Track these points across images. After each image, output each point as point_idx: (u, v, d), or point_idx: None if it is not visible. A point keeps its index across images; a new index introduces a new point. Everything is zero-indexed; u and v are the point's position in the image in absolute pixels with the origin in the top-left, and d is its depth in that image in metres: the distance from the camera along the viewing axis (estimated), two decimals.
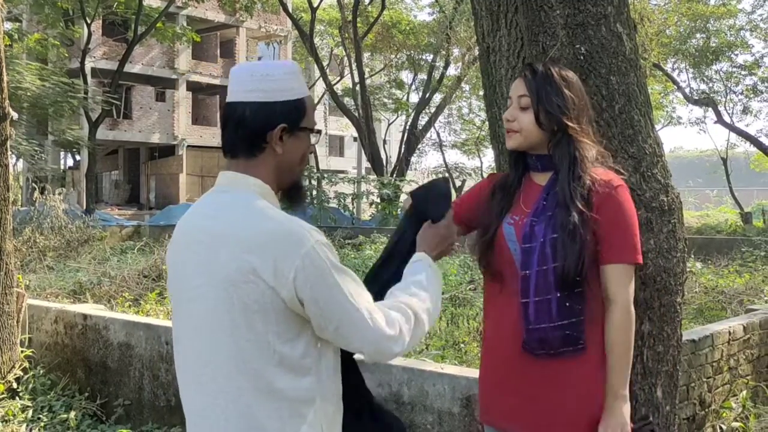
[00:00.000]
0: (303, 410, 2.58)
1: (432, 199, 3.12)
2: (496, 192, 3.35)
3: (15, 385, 7.37)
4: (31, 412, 6.97)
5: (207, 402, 2.62)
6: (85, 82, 36.67)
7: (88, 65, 40.09)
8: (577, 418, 3.03)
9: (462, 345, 8.52)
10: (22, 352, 7.71)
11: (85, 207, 34.92)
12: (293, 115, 2.66)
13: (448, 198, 3.14)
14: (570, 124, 3.10)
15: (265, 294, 2.47)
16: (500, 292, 3.26)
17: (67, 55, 41.54)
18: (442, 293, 11.85)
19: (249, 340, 2.52)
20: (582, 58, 3.59)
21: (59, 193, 21.92)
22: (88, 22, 36.30)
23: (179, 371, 2.75)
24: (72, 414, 6.95)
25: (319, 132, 2.79)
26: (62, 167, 53.30)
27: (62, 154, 53.31)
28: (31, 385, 7.43)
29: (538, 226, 3.08)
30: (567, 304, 3.01)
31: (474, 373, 5.17)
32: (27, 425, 6.80)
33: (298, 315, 2.52)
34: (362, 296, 2.58)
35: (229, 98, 2.69)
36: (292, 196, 2.82)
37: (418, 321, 2.67)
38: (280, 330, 2.51)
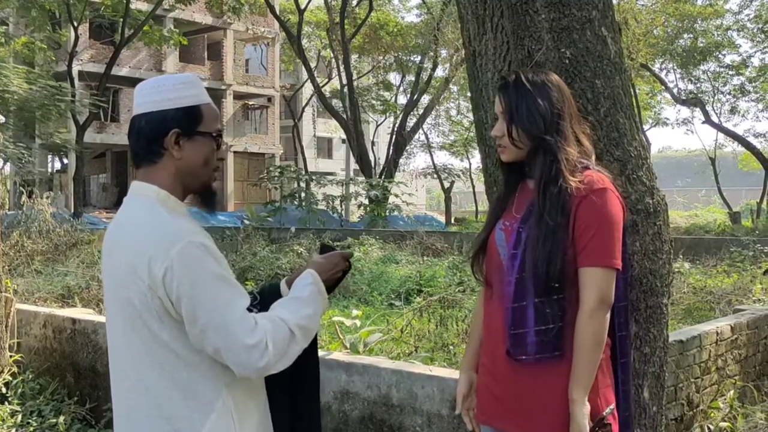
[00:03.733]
0: (209, 399, 2.70)
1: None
2: (494, 201, 3.43)
3: (4, 390, 7.35)
4: (20, 416, 6.95)
5: (124, 396, 2.79)
6: (73, 85, 36.53)
7: (76, 68, 39.95)
8: (562, 421, 3.04)
9: (451, 347, 8.53)
10: (10, 356, 7.69)
11: (73, 210, 34.85)
12: (186, 121, 2.79)
13: None
14: (545, 137, 3.09)
15: (146, 294, 2.61)
16: (491, 297, 3.29)
17: (54, 58, 41.50)
18: (432, 295, 11.84)
19: (145, 336, 2.67)
20: (567, 61, 3.62)
21: (47, 197, 21.82)
22: (75, 25, 36.25)
23: (110, 369, 2.89)
24: (61, 418, 6.93)
25: (220, 136, 2.90)
26: (50, 170, 53.15)
27: (50, 157, 53.15)
28: (20, 390, 7.41)
29: (524, 233, 3.09)
30: (546, 310, 3.02)
31: None
32: (16, 430, 6.78)
33: (178, 315, 2.63)
34: (231, 303, 2.65)
35: (133, 113, 2.85)
36: (204, 200, 2.95)
37: (293, 337, 2.72)
38: (166, 328, 2.64)
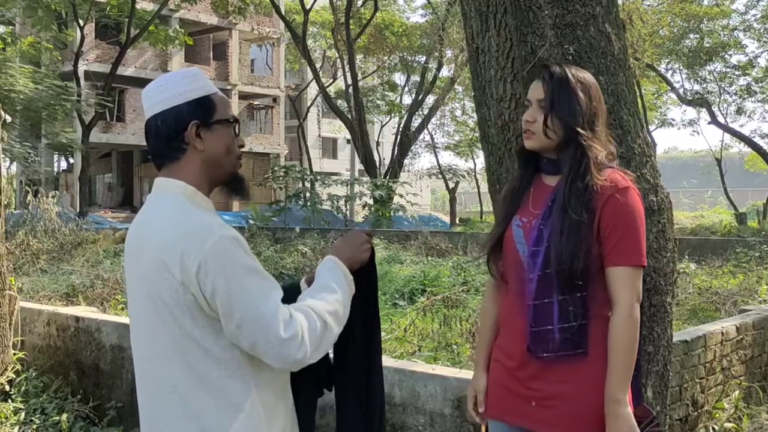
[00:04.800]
0: (238, 400, 2.67)
1: None
2: (506, 195, 3.39)
3: (7, 388, 7.35)
4: (23, 414, 6.96)
5: (149, 394, 2.78)
6: (78, 85, 36.59)
7: (81, 68, 40.01)
8: (586, 417, 3.05)
9: (455, 346, 8.51)
10: (14, 354, 7.69)
11: (78, 210, 34.86)
12: (201, 112, 2.78)
13: None
14: (580, 131, 3.10)
15: (178, 290, 2.58)
16: (507, 294, 3.30)
17: (60, 58, 41.50)
18: (436, 295, 11.79)
19: (174, 334, 2.64)
20: (570, 58, 3.60)
21: (52, 196, 21.86)
22: (81, 25, 36.25)
23: (135, 369, 2.89)
24: (64, 416, 6.93)
25: (236, 121, 2.88)
26: (55, 170, 53.26)
27: (55, 157, 53.20)
28: (23, 388, 7.42)
29: (546, 230, 3.10)
30: (569, 308, 3.03)
31: (466, 374, 5.17)
32: (19, 428, 6.78)
33: (212, 311, 2.60)
34: (266, 296, 2.62)
35: (147, 116, 2.83)
36: (234, 188, 2.94)
37: (326, 326, 2.70)
38: (198, 325, 2.62)
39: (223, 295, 2.55)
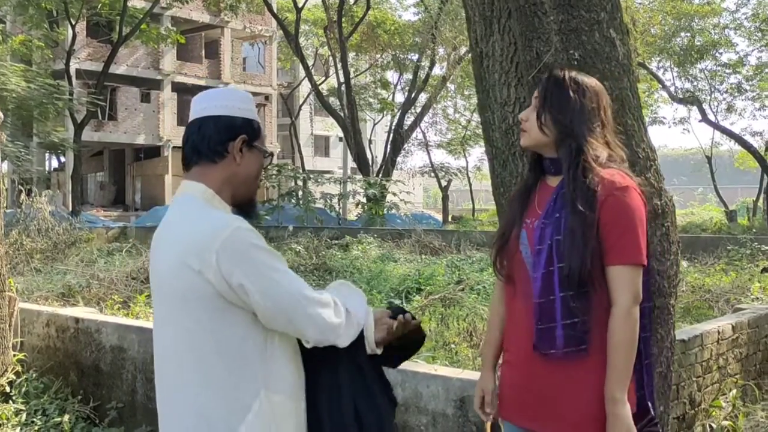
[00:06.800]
0: (247, 401, 2.72)
1: None
2: (513, 196, 3.42)
3: (8, 389, 7.35)
4: (24, 415, 6.96)
5: (165, 393, 2.84)
6: (70, 83, 36.45)
7: (73, 66, 39.87)
8: (590, 418, 3.06)
9: (452, 346, 8.54)
10: (14, 355, 7.70)
11: (71, 209, 34.78)
12: (251, 132, 2.91)
13: None
14: (573, 128, 3.12)
15: (195, 281, 2.65)
16: (514, 294, 3.31)
17: (51, 56, 41.38)
18: (431, 294, 11.78)
19: (190, 329, 2.70)
20: (575, 63, 3.62)
21: (45, 195, 21.83)
22: (73, 23, 36.15)
23: (154, 365, 2.95)
24: (65, 417, 6.94)
25: (271, 155, 3.04)
26: (48, 169, 53.11)
27: (47, 155, 53.05)
28: (24, 389, 7.42)
29: (548, 229, 3.10)
30: (571, 304, 3.03)
31: (468, 374, 5.20)
32: (20, 429, 6.79)
33: (237, 297, 2.67)
34: (301, 282, 2.78)
35: (195, 116, 2.92)
36: (247, 211, 2.98)
37: (349, 317, 2.88)
38: (213, 316, 2.68)
39: (252, 282, 2.65)
